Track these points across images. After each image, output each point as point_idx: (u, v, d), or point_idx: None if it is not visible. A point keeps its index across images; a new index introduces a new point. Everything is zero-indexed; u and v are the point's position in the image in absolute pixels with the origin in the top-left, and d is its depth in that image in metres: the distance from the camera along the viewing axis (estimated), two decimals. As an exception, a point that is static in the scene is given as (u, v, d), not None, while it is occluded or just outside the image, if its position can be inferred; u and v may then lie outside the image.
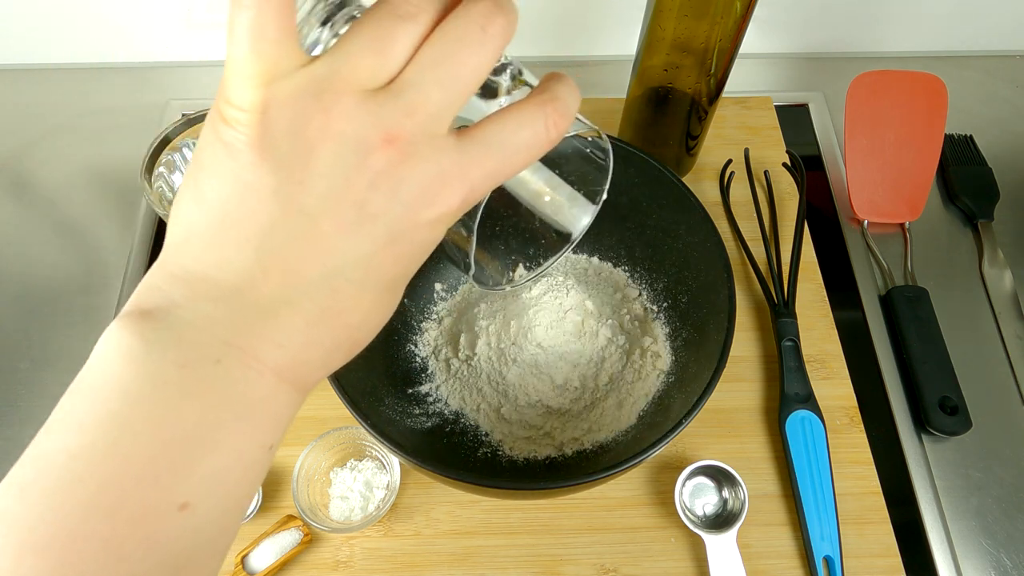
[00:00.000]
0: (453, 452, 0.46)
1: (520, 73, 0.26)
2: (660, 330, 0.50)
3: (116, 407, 0.20)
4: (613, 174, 0.29)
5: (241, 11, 0.20)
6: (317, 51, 0.23)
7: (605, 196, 0.31)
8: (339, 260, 0.21)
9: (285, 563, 0.44)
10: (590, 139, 0.30)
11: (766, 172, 0.60)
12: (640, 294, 0.52)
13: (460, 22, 0.21)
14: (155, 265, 0.22)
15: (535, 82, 0.25)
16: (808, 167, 0.60)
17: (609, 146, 0.29)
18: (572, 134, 0.27)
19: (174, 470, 0.20)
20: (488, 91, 0.25)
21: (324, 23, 0.23)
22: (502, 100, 0.26)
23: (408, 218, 0.21)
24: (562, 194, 0.32)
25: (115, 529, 0.19)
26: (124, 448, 0.20)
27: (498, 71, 0.25)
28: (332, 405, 0.49)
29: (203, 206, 0.21)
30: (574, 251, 0.54)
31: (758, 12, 0.46)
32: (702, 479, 0.46)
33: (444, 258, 0.31)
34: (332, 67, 0.20)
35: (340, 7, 0.23)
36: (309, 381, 0.23)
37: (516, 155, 0.22)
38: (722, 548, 0.43)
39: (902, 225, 0.60)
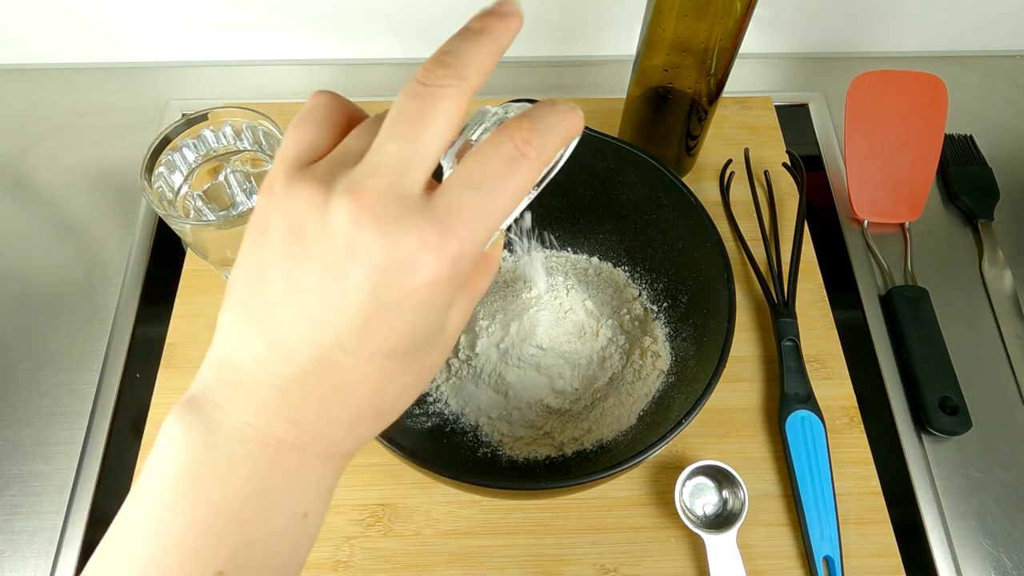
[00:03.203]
0: (453, 452, 0.46)
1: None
2: (660, 330, 0.50)
3: (161, 486, 0.22)
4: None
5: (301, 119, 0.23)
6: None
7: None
8: (332, 334, 0.21)
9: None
10: None
11: (766, 172, 0.60)
12: (640, 294, 0.52)
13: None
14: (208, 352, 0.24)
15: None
16: (808, 167, 0.60)
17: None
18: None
19: (207, 543, 0.22)
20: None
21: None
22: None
23: (392, 286, 0.20)
24: None
25: None
26: (164, 524, 0.22)
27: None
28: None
29: (233, 292, 0.23)
30: (574, 251, 0.54)
31: (758, 12, 0.46)
32: (702, 479, 0.46)
33: None
34: (327, 161, 0.22)
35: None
36: (340, 451, 0.24)
37: (497, 192, 0.21)
38: (722, 548, 0.43)
39: (902, 225, 0.60)
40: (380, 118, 0.22)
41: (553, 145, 0.21)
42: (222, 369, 0.23)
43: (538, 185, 0.28)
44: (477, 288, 0.26)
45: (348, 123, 0.24)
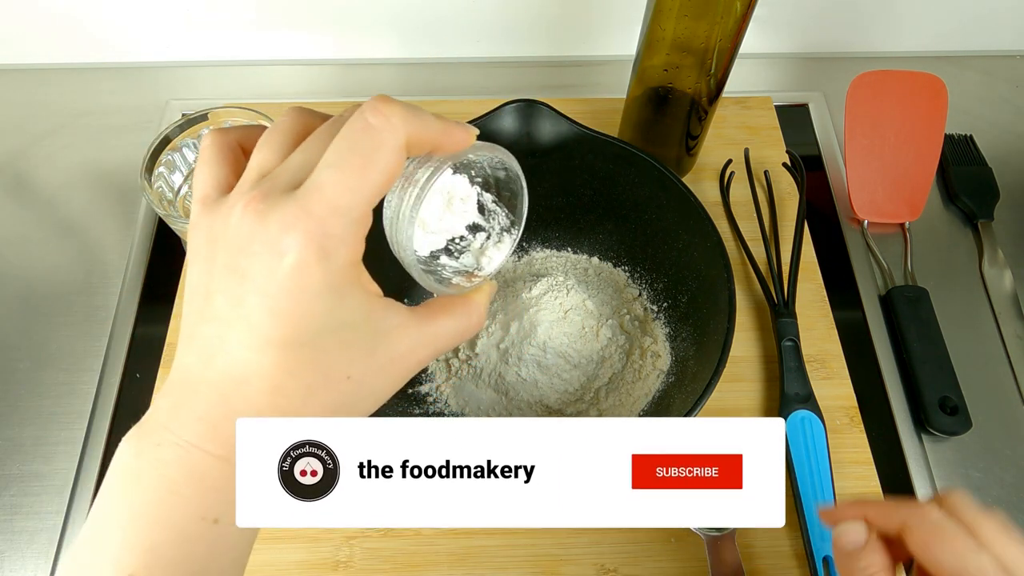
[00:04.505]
0: (453, 452, 0.46)
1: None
2: (660, 330, 0.50)
3: (101, 495, 0.24)
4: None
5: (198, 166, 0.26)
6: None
7: (523, 225, 0.30)
8: (232, 329, 0.23)
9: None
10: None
11: (766, 172, 0.60)
12: (640, 294, 0.52)
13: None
14: None
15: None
16: (808, 167, 0.60)
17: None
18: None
19: (122, 545, 0.23)
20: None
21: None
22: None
23: (270, 271, 0.22)
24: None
25: None
26: (95, 528, 0.24)
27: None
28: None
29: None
30: (574, 251, 0.54)
31: (758, 12, 0.46)
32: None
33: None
34: (235, 190, 0.24)
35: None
36: None
37: (352, 166, 0.22)
38: (722, 548, 0.43)
39: (902, 225, 0.60)
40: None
41: (399, 112, 0.23)
42: (164, 387, 0.25)
43: (516, 224, 0.31)
44: (439, 327, 0.26)
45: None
